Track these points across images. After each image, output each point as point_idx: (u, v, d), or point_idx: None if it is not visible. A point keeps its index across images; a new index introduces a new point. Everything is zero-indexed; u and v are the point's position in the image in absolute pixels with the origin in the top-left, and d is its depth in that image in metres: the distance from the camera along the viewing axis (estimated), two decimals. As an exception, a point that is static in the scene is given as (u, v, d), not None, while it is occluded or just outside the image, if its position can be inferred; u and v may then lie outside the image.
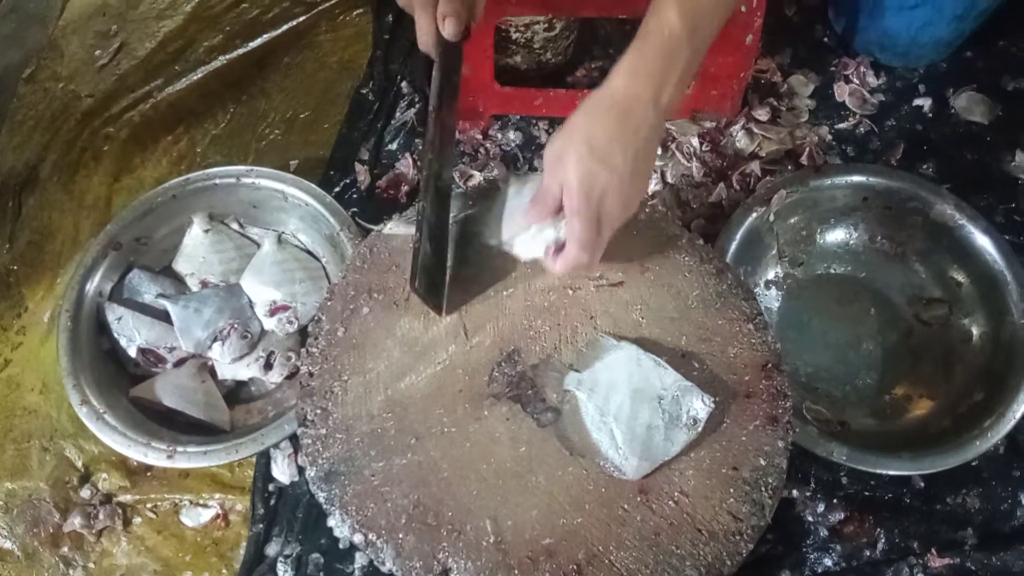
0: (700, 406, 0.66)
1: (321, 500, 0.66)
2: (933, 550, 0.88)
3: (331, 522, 0.66)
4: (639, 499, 0.65)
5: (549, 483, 0.66)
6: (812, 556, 0.90)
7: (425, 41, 0.76)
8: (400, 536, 0.64)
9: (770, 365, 0.71)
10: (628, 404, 0.67)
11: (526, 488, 0.66)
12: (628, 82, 0.65)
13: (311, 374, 0.71)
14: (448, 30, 0.74)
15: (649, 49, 0.65)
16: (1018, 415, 0.86)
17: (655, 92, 0.65)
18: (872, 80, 1.20)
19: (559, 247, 0.69)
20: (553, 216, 0.69)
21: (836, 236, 1.04)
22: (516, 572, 0.62)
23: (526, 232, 0.71)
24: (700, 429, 0.66)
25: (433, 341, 0.73)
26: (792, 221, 1.02)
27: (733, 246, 0.97)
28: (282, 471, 0.94)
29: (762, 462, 0.67)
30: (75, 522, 0.93)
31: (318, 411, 0.69)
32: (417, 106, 1.18)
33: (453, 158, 0.79)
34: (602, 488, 0.66)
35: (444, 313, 0.73)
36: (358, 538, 0.64)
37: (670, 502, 0.65)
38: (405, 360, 0.72)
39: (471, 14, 0.77)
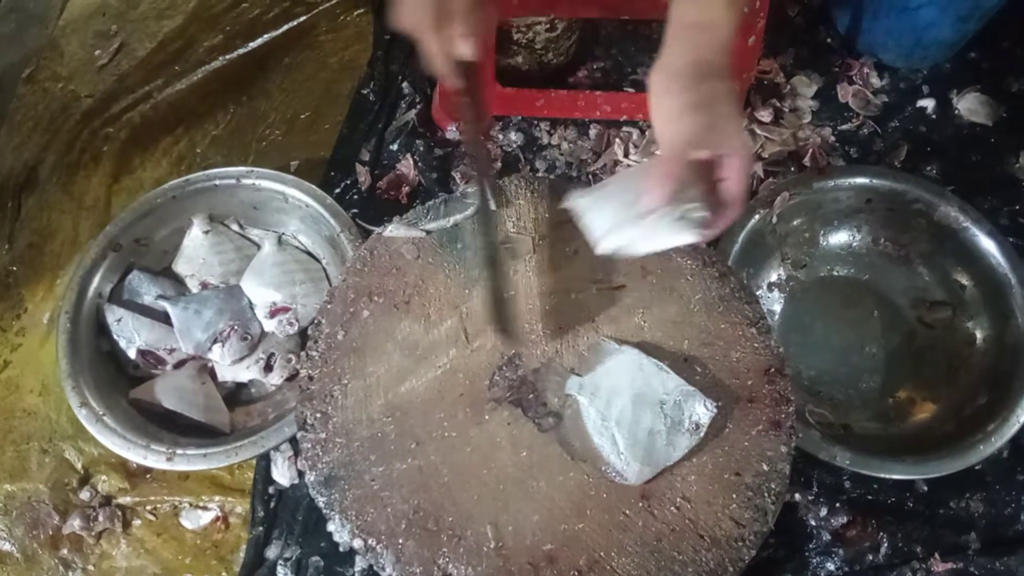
0: (702, 411, 0.66)
1: (321, 505, 0.66)
2: (936, 554, 0.88)
3: (331, 527, 0.65)
4: (641, 504, 0.65)
5: (550, 488, 0.66)
6: (815, 560, 0.89)
7: (439, 66, 0.70)
8: (400, 541, 0.64)
9: (773, 369, 0.71)
10: (630, 409, 0.66)
11: (527, 493, 0.66)
12: (694, 45, 0.64)
13: (311, 378, 0.71)
14: (469, 52, 0.68)
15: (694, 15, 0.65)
16: (1022, 419, 0.86)
17: (712, 63, 0.63)
18: (875, 81, 1.19)
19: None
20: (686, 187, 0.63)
21: (839, 238, 1.03)
22: (517, 578, 0.62)
23: (660, 222, 0.63)
24: (702, 434, 0.66)
25: (434, 345, 0.72)
26: (795, 223, 1.01)
27: (736, 248, 0.96)
28: (282, 474, 0.93)
29: (765, 467, 0.67)
30: (74, 524, 0.92)
31: (318, 415, 0.69)
32: (418, 107, 1.18)
33: (496, 183, 0.79)
34: (604, 493, 0.65)
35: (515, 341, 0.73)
36: (358, 543, 0.64)
37: (672, 508, 0.65)
38: (405, 364, 0.71)
39: (487, 26, 0.74)
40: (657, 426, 0.66)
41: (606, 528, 0.64)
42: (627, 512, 0.65)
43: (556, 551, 0.63)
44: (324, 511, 0.65)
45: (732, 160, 0.62)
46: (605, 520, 0.64)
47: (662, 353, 0.71)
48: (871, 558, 0.89)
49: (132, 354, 0.95)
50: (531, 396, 0.69)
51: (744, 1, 0.67)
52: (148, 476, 0.96)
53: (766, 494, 0.66)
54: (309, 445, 0.68)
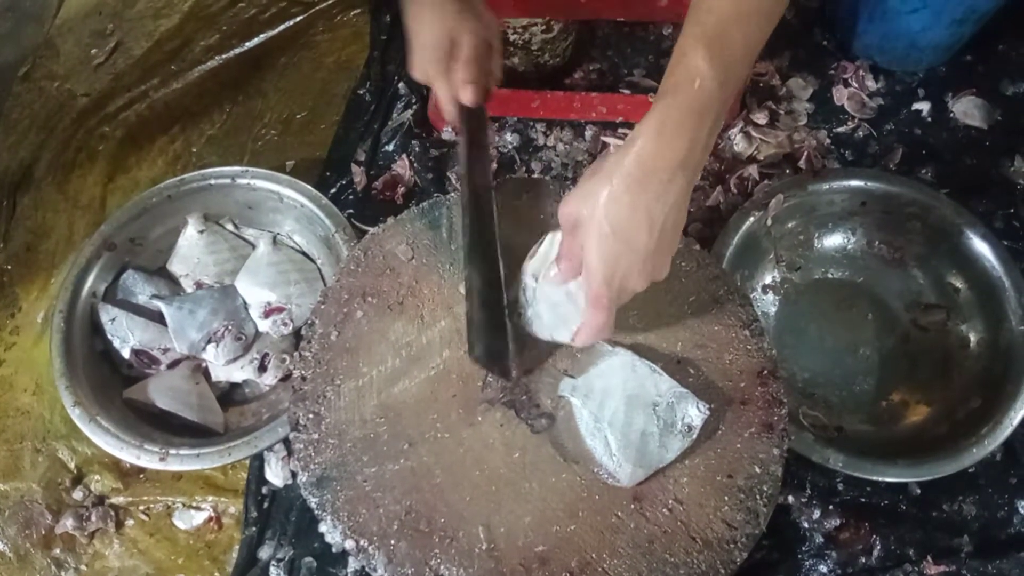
0: (695, 413, 0.66)
1: (313, 505, 0.66)
2: (929, 557, 0.88)
3: (323, 528, 0.65)
4: (633, 506, 0.65)
5: (543, 490, 0.66)
6: (808, 563, 0.89)
7: (448, 110, 0.76)
8: (392, 542, 0.64)
9: (766, 372, 0.71)
10: (623, 410, 0.66)
11: (519, 495, 0.66)
12: (655, 145, 0.58)
13: (304, 378, 0.71)
14: (469, 98, 0.73)
15: (678, 104, 0.58)
16: (1015, 422, 0.86)
17: (685, 154, 0.58)
18: (871, 84, 1.19)
19: None
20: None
21: (834, 241, 1.03)
22: (509, 579, 0.62)
23: (545, 311, 0.67)
24: (695, 436, 0.66)
25: (427, 346, 0.72)
26: (790, 225, 1.02)
27: (730, 250, 0.96)
28: (276, 474, 0.93)
29: (757, 470, 0.67)
30: (67, 524, 0.92)
31: (310, 416, 0.69)
32: (414, 107, 1.18)
33: (494, 217, 0.75)
34: (596, 495, 0.66)
35: (513, 375, 0.70)
36: (349, 544, 0.64)
37: (664, 510, 0.65)
38: (399, 365, 0.71)
39: (490, 77, 0.76)
40: (650, 428, 0.66)
41: (598, 530, 0.64)
42: (619, 514, 0.65)
43: (548, 552, 0.63)
44: (316, 512, 0.65)
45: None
46: (597, 522, 0.64)
47: (655, 355, 0.71)
48: (864, 561, 0.89)
49: (126, 354, 0.95)
50: (524, 397, 0.70)
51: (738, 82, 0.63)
52: (141, 476, 0.95)
53: (758, 496, 0.66)
54: (301, 446, 0.68)
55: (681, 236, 0.63)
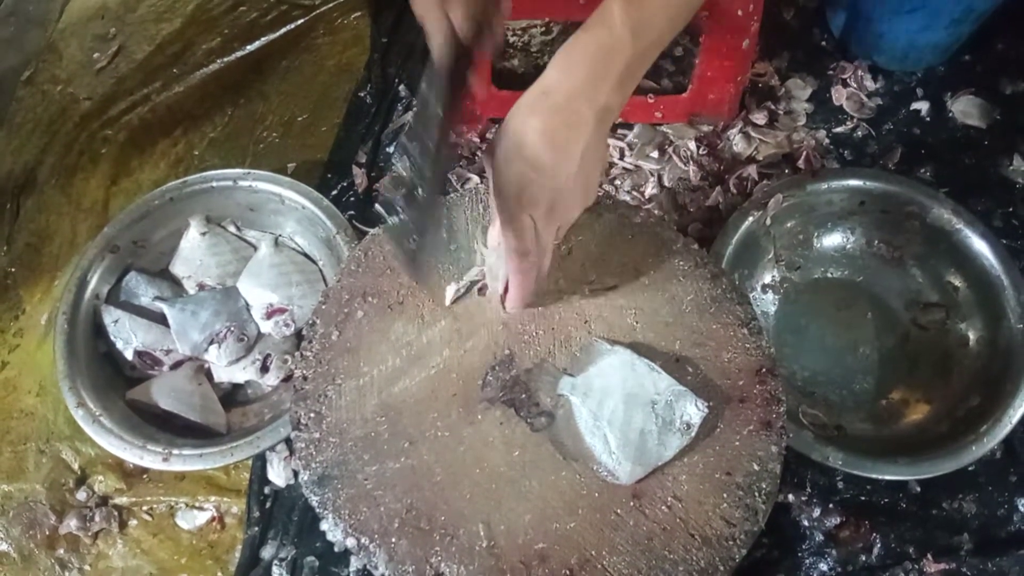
0: (694, 411, 0.66)
1: (314, 504, 0.66)
2: (929, 555, 0.88)
3: (324, 526, 0.66)
4: (632, 504, 0.65)
5: (542, 488, 0.66)
6: (808, 561, 0.89)
7: (436, 44, 0.68)
8: (393, 540, 0.64)
9: (764, 370, 0.71)
10: (622, 409, 0.67)
11: (519, 493, 0.66)
12: (561, 76, 0.60)
13: (305, 378, 0.71)
14: (464, 29, 0.66)
15: (587, 41, 0.60)
16: (1015, 420, 0.86)
17: (590, 88, 0.59)
18: (870, 84, 1.20)
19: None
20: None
21: (833, 240, 1.04)
22: (508, 577, 0.62)
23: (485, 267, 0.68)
24: (693, 434, 0.66)
25: (427, 345, 0.73)
26: (789, 225, 1.02)
27: (730, 250, 0.97)
28: (278, 474, 0.94)
29: (756, 467, 0.67)
30: (71, 524, 0.93)
31: (312, 415, 0.69)
32: (415, 109, 1.18)
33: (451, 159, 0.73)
34: (595, 493, 0.66)
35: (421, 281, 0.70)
36: (351, 542, 0.64)
37: (663, 507, 0.65)
38: (399, 364, 0.72)
39: (496, 18, 0.71)
40: (649, 426, 0.66)
41: (598, 527, 0.64)
42: (618, 511, 0.65)
43: (548, 550, 0.63)
44: (317, 510, 0.66)
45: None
46: (597, 519, 0.65)
47: (654, 353, 0.71)
48: (864, 559, 0.89)
49: (129, 355, 0.95)
50: (524, 396, 0.70)
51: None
52: (144, 476, 0.96)
53: (757, 494, 0.66)
54: (303, 445, 0.68)
55: (678, 234, 0.62)
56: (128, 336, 0.95)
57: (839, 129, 1.16)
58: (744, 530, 0.65)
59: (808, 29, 1.26)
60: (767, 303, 1.02)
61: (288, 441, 0.88)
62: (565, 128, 0.60)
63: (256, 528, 0.92)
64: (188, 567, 0.92)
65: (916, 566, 0.88)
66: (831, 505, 0.91)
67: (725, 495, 0.66)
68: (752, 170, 1.08)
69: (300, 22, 1.29)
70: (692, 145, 1.11)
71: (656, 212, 1.05)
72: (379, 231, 0.80)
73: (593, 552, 0.63)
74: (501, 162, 0.61)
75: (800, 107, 1.17)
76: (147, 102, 1.23)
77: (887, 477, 0.87)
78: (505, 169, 0.61)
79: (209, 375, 0.97)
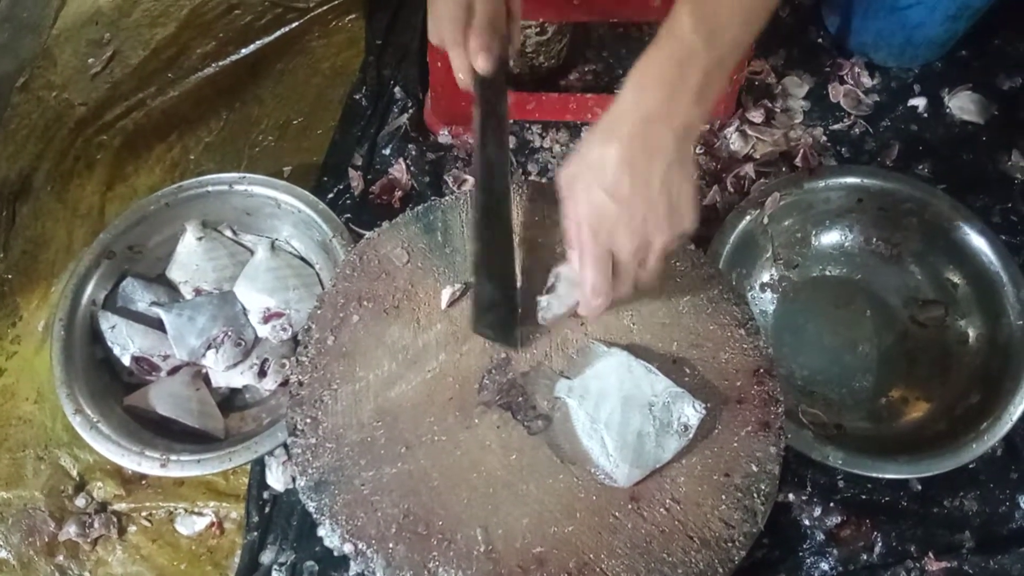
0: (691, 412, 0.66)
1: (311, 510, 0.66)
2: (931, 554, 0.88)
3: (321, 532, 0.65)
4: (630, 507, 0.65)
5: (540, 491, 0.66)
6: (809, 560, 0.89)
7: (462, 79, 0.73)
8: (390, 546, 0.64)
9: (762, 370, 0.71)
10: (619, 411, 0.66)
11: (517, 496, 0.66)
12: (637, 96, 0.58)
13: (301, 383, 0.71)
14: (481, 65, 0.70)
15: (659, 56, 0.58)
16: (1015, 417, 0.86)
17: (667, 107, 0.58)
18: (866, 80, 1.19)
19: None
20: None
21: (831, 238, 1.03)
22: (507, 581, 0.62)
23: (555, 291, 0.67)
24: (691, 435, 0.66)
25: (423, 349, 0.72)
26: (787, 223, 1.02)
27: (727, 249, 0.96)
28: (277, 478, 0.94)
29: (754, 468, 0.66)
30: (70, 531, 0.93)
31: (308, 420, 0.69)
32: (410, 111, 1.18)
33: (509, 193, 0.75)
34: (593, 496, 0.66)
35: (519, 347, 0.70)
36: (348, 548, 0.64)
37: (661, 509, 0.65)
38: (395, 368, 0.71)
39: (504, 44, 0.73)
40: (646, 428, 0.66)
41: (596, 530, 0.64)
42: (616, 514, 0.65)
43: (546, 554, 0.63)
44: (314, 516, 0.66)
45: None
46: (595, 522, 0.64)
47: (651, 355, 0.71)
48: (865, 558, 0.89)
49: (126, 361, 0.95)
50: (520, 399, 0.70)
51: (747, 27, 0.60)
52: (143, 482, 0.96)
53: (756, 495, 0.66)
54: (299, 450, 0.68)
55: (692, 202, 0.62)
56: (125, 342, 0.95)
57: (836, 126, 1.16)
58: (743, 532, 0.64)
59: (804, 26, 1.25)
60: (765, 302, 1.01)
61: (286, 446, 0.88)
62: (644, 154, 0.58)
63: (255, 533, 0.92)
64: (188, 573, 0.92)
65: (918, 564, 0.88)
66: (832, 504, 0.91)
67: (724, 497, 0.65)
68: (749, 168, 1.07)
69: (294, 25, 1.29)
70: (689, 144, 1.10)
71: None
72: (374, 234, 0.79)
73: (591, 556, 0.63)
74: (579, 193, 0.60)
75: (797, 104, 1.17)
76: (142, 107, 1.22)
77: (887, 476, 0.86)
78: (583, 200, 0.59)
79: (207, 380, 0.97)
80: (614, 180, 0.58)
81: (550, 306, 0.68)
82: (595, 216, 0.60)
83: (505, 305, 0.70)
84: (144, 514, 0.95)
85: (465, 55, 0.71)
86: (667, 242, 0.61)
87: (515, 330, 0.70)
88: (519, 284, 0.73)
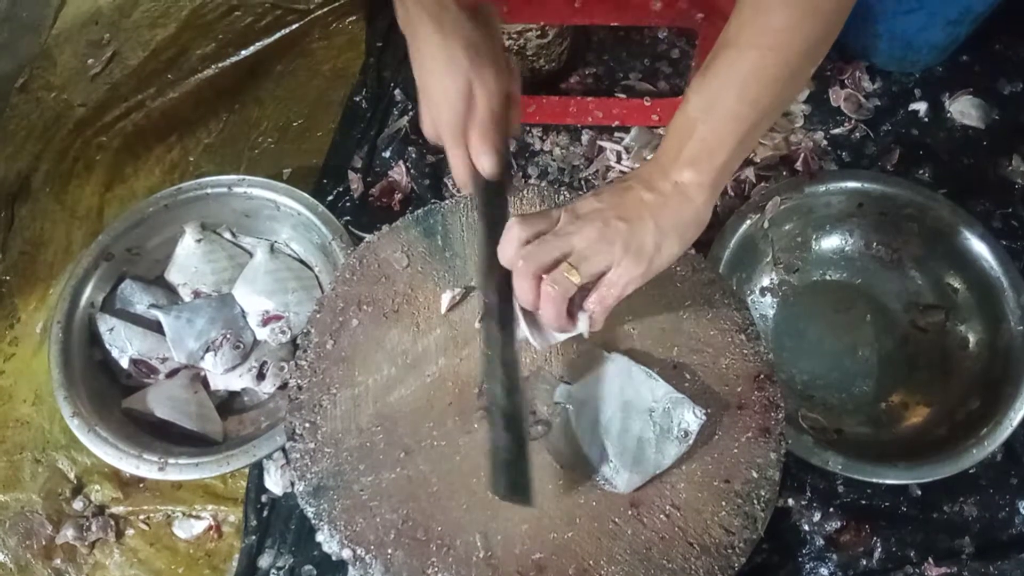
0: (691, 418, 0.65)
1: (310, 515, 0.66)
2: (930, 559, 0.88)
3: (320, 537, 0.65)
4: (630, 513, 0.65)
5: (540, 497, 0.65)
6: (808, 566, 0.89)
7: (461, 178, 0.65)
8: (389, 551, 0.63)
9: (762, 376, 0.70)
10: (619, 417, 0.66)
11: (516, 502, 0.65)
12: (645, 164, 0.61)
13: (300, 387, 0.71)
14: (486, 167, 0.62)
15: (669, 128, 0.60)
16: (1015, 422, 0.86)
17: (663, 169, 0.59)
18: (867, 85, 1.19)
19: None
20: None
21: (832, 243, 1.03)
22: (506, 587, 0.62)
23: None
24: (691, 441, 0.65)
25: (423, 353, 0.72)
26: (787, 228, 1.01)
27: (727, 253, 0.96)
28: (275, 482, 0.93)
29: (754, 474, 0.66)
30: (68, 534, 0.92)
31: (307, 425, 0.69)
32: (410, 113, 1.18)
33: (514, 329, 0.64)
34: (593, 502, 0.65)
35: (533, 503, 0.61)
36: (347, 553, 0.64)
37: (661, 515, 0.65)
38: (394, 373, 0.71)
39: (507, 136, 0.65)
40: (646, 434, 0.65)
41: (595, 536, 0.64)
42: (616, 520, 0.64)
43: (545, 560, 0.63)
44: (313, 521, 0.65)
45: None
46: (594, 528, 0.64)
47: (651, 360, 0.71)
48: (865, 563, 0.89)
49: (125, 363, 0.95)
50: (520, 404, 0.69)
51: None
52: (141, 486, 0.95)
53: (756, 501, 0.65)
54: (298, 455, 0.68)
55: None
56: (123, 344, 0.95)
57: (837, 130, 1.15)
58: (743, 538, 0.64)
59: (805, 30, 1.25)
60: (765, 306, 1.01)
61: (285, 449, 0.88)
62: (636, 208, 0.59)
63: (253, 537, 0.92)
64: (185, 576, 0.92)
65: (917, 570, 0.88)
66: (831, 509, 0.91)
67: (724, 503, 0.65)
68: (750, 172, 1.07)
69: (295, 27, 1.29)
70: (689, 148, 1.10)
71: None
72: (374, 238, 0.79)
73: (591, 562, 0.63)
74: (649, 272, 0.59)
75: (798, 108, 1.17)
76: (141, 108, 1.22)
77: (887, 481, 0.86)
78: (625, 272, 0.59)
79: (205, 383, 0.97)
80: (645, 250, 0.59)
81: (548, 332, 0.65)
82: (622, 281, 0.60)
83: (520, 466, 0.60)
84: (142, 517, 0.95)
85: (466, 155, 0.63)
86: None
87: (531, 489, 0.60)
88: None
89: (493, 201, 0.65)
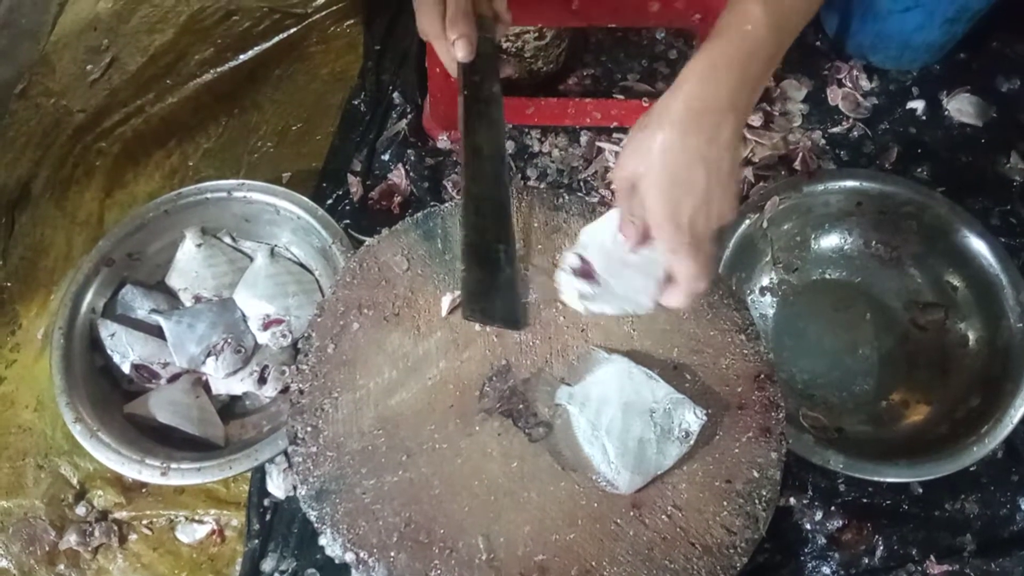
0: (692, 419, 0.66)
1: (312, 519, 0.66)
2: (932, 557, 0.88)
3: (322, 541, 0.65)
4: (632, 513, 0.65)
5: (542, 498, 0.66)
6: (810, 564, 0.89)
7: (449, 67, 0.75)
8: (392, 554, 0.64)
9: (762, 376, 0.71)
10: (620, 418, 0.66)
11: (518, 504, 0.65)
12: (703, 88, 0.58)
13: (301, 391, 0.71)
14: (459, 54, 0.72)
15: (726, 47, 0.59)
16: (1016, 420, 0.86)
17: (733, 96, 0.58)
18: (865, 83, 1.19)
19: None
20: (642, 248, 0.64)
21: (831, 241, 1.03)
22: (509, 589, 0.62)
23: (618, 285, 0.66)
24: (692, 442, 0.66)
25: (424, 356, 0.72)
26: (786, 227, 1.02)
27: (727, 253, 0.96)
28: (277, 486, 0.93)
29: (755, 474, 0.66)
30: (71, 539, 0.93)
31: (308, 429, 0.69)
32: (409, 116, 1.18)
33: (504, 175, 0.75)
34: (595, 503, 0.65)
35: (521, 326, 0.70)
36: (350, 557, 0.64)
37: (663, 516, 0.65)
38: (396, 376, 0.71)
39: (490, 26, 0.75)
40: (647, 434, 0.66)
41: (597, 537, 0.64)
42: (618, 521, 0.65)
43: (548, 561, 0.63)
44: (316, 525, 0.65)
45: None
46: (596, 529, 0.64)
47: (652, 361, 0.71)
48: (867, 561, 0.89)
49: (126, 369, 0.95)
50: (521, 406, 0.69)
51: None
52: (144, 491, 0.96)
53: (757, 501, 0.66)
54: (300, 459, 0.68)
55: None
56: (125, 349, 0.95)
57: (835, 129, 1.16)
58: (745, 538, 0.64)
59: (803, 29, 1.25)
60: (765, 306, 1.01)
61: (287, 453, 0.88)
62: (716, 147, 0.58)
63: (256, 541, 0.92)
64: (188, 581, 0.92)
65: (919, 568, 0.88)
66: (833, 508, 0.91)
67: (725, 503, 0.65)
68: (748, 172, 1.07)
69: (293, 31, 1.29)
70: (688, 148, 1.10)
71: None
72: (374, 241, 0.79)
73: (593, 563, 0.63)
74: (656, 190, 0.59)
75: (795, 108, 1.17)
76: (141, 113, 1.22)
77: (888, 479, 0.87)
78: (662, 200, 0.59)
79: (207, 387, 0.97)
80: (687, 175, 0.58)
81: (595, 299, 0.66)
82: (676, 213, 0.59)
83: (503, 288, 0.71)
84: (145, 522, 0.95)
85: (446, 45, 0.72)
86: (732, 215, 0.62)
87: (516, 310, 0.69)
88: (520, 267, 0.73)
89: (474, 79, 0.75)
